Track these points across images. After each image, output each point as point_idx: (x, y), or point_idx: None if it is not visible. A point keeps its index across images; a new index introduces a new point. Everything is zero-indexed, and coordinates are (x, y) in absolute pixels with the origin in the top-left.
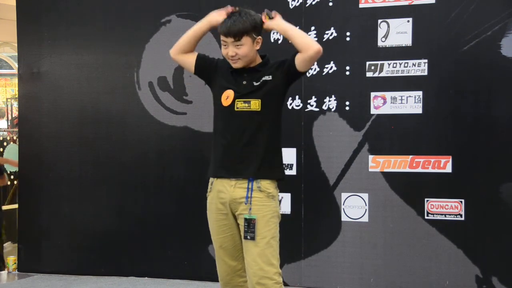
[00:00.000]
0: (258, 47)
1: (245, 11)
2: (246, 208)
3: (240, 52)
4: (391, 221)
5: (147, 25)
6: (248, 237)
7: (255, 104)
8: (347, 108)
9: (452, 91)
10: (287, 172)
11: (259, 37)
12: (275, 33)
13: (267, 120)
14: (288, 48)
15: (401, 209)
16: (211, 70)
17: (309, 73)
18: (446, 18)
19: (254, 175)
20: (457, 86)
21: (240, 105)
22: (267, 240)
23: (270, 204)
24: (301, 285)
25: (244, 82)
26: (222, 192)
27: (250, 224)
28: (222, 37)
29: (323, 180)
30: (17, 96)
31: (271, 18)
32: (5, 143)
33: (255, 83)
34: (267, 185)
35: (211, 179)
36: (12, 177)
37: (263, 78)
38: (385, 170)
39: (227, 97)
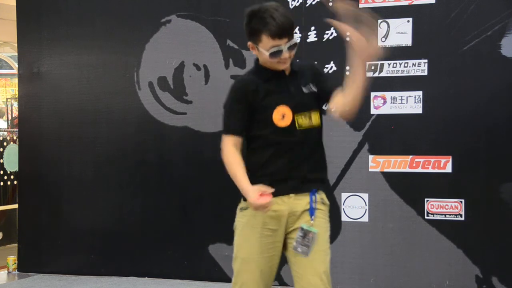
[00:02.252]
0: None
1: (274, 4)
2: (308, 220)
3: (295, 48)
4: (391, 221)
5: (147, 25)
6: (299, 249)
7: (315, 118)
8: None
9: (452, 91)
10: None
11: None
12: None
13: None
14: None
15: (401, 209)
16: (248, 116)
17: None
18: (446, 18)
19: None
20: (457, 86)
21: (302, 121)
22: (329, 258)
23: (329, 219)
24: None
25: (292, 89)
26: (276, 204)
27: (306, 236)
28: (272, 41)
29: None
30: (17, 96)
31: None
32: (5, 143)
33: (304, 90)
34: (325, 198)
35: None
36: (12, 177)
37: (310, 88)
38: (385, 170)
39: (283, 115)
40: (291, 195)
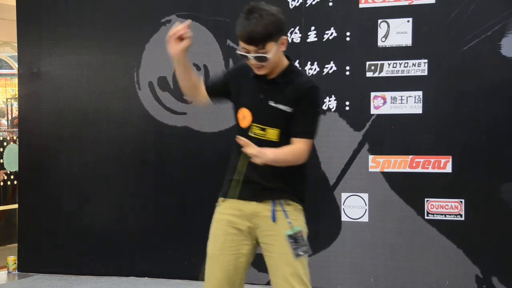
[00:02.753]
0: (283, 48)
1: (264, 8)
2: (274, 225)
3: (264, 60)
4: (391, 221)
5: (147, 25)
6: (301, 252)
7: (272, 134)
8: (347, 108)
9: (452, 91)
10: None
11: (284, 37)
12: None
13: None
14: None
15: (401, 209)
16: (226, 90)
17: (309, 73)
18: (446, 18)
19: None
20: (457, 86)
21: (256, 131)
22: (296, 258)
23: (299, 218)
24: None
25: (261, 96)
26: (241, 205)
27: (297, 239)
28: (242, 43)
29: (323, 180)
30: (17, 96)
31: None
32: (5, 143)
33: (271, 103)
34: (296, 203)
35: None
36: (12, 177)
37: (281, 107)
38: (385, 170)
39: (244, 117)
40: (253, 202)
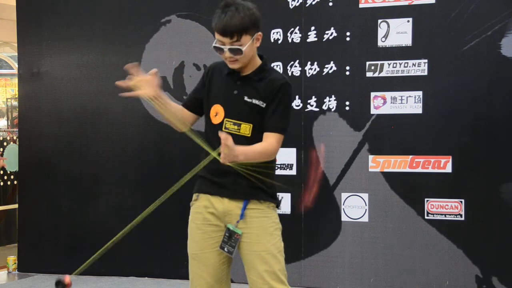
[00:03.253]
0: (258, 45)
1: (241, 3)
2: (242, 223)
3: (238, 53)
4: (391, 221)
5: (147, 25)
6: (226, 249)
7: (245, 129)
8: (347, 108)
9: (452, 91)
10: (287, 172)
11: (259, 33)
12: (275, 33)
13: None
14: (288, 49)
15: (401, 209)
16: (203, 95)
17: (309, 73)
18: (446, 18)
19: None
20: (457, 86)
21: (230, 126)
22: (274, 255)
23: (272, 215)
24: (301, 285)
25: (235, 92)
26: (215, 202)
27: (232, 237)
28: (217, 35)
29: (323, 180)
30: (17, 96)
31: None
32: (5, 143)
33: (246, 98)
34: (270, 202)
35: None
36: (12, 177)
37: (255, 101)
38: (385, 170)
39: (216, 113)
40: (225, 199)
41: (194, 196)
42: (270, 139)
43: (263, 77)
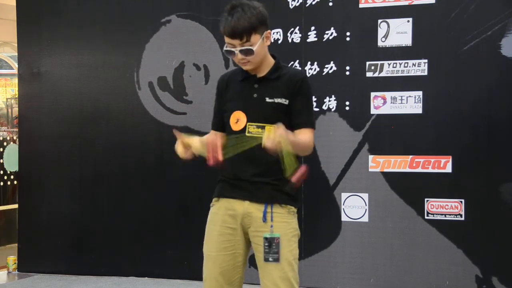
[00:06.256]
0: (268, 43)
1: (247, 3)
2: (268, 228)
3: (250, 54)
4: (391, 221)
5: (147, 25)
6: (271, 259)
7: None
8: (347, 108)
9: (452, 91)
10: None
11: (268, 31)
12: (275, 33)
13: None
14: (288, 49)
15: (401, 209)
16: (221, 103)
17: (309, 73)
18: (446, 18)
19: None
20: (457, 86)
21: (253, 130)
22: (289, 261)
23: (292, 221)
24: (301, 285)
25: (255, 95)
26: (234, 204)
27: (272, 244)
28: (227, 39)
29: (323, 180)
30: (17, 96)
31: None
32: (5, 143)
33: (267, 99)
34: (291, 206)
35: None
36: (12, 177)
37: (277, 100)
38: (385, 170)
39: (237, 120)
40: (246, 201)
41: (214, 199)
42: (307, 134)
43: (280, 75)
